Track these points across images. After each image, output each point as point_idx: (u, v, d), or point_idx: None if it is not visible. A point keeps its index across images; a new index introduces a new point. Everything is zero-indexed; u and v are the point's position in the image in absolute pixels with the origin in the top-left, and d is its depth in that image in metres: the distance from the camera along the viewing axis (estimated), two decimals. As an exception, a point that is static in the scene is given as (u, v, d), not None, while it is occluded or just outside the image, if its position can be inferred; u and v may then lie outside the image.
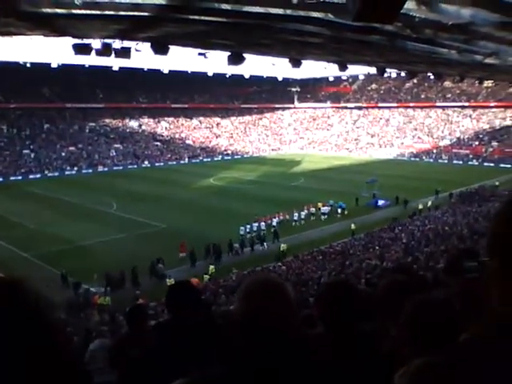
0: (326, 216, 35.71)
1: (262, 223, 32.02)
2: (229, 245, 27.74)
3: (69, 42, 15.87)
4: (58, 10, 10.79)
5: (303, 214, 34.98)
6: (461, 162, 69.06)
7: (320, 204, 36.71)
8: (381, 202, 39.25)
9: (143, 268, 23.30)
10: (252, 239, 29.52)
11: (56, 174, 62.13)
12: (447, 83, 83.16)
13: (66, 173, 63.11)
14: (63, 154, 69.40)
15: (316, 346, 1.71)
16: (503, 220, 0.91)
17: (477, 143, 74.82)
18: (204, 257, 26.39)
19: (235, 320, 1.41)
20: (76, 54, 16.14)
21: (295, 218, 34.16)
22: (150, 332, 3.57)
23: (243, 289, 1.45)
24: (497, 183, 45.78)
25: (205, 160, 77.07)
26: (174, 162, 73.74)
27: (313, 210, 36.09)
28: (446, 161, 71.11)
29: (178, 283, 2.95)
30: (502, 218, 0.92)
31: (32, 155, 66.73)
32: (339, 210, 36.64)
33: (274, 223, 32.27)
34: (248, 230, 30.72)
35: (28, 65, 68.85)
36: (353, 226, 31.00)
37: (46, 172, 62.07)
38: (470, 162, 68.71)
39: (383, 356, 1.72)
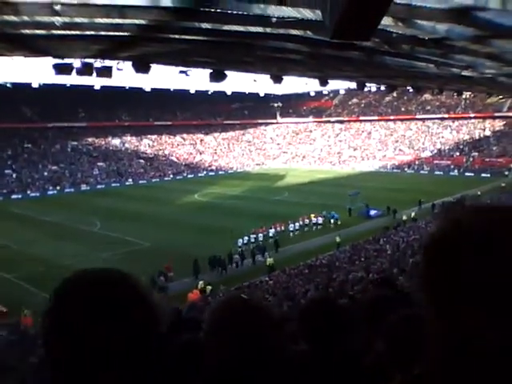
0: (319, 227, 36.32)
1: (260, 234, 32.48)
2: (228, 256, 27.87)
3: (49, 61, 15.85)
4: (38, 31, 10.79)
5: (297, 225, 35.43)
6: (442, 173, 69.91)
7: (313, 215, 37.19)
8: (373, 212, 39.69)
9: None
10: (252, 251, 29.66)
11: (38, 194, 61.38)
12: (426, 96, 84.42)
13: (49, 192, 62.36)
14: (45, 173, 68.74)
15: (300, 363, 1.72)
16: (433, 258, 0.72)
17: (457, 154, 75.91)
18: (209, 269, 26.55)
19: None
20: (57, 73, 16.13)
21: (291, 228, 34.68)
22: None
23: (212, 326, 1.45)
24: (479, 193, 46.46)
25: (189, 176, 76.88)
26: (158, 179, 73.41)
27: (307, 221, 36.61)
28: (427, 172, 71.93)
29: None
30: (432, 254, 0.73)
31: (14, 175, 65.95)
32: (332, 221, 37.21)
33: (271, 234, 32.79)
34: (245, 242, 31.04)
35: (8, 85, 68.47)
36: (338, 239, 31.15)
37: (29, 192, 61.27)
38: (451, 173, 69.56)
39: (366, 371, 1.74)
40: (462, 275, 0.66)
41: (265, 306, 1.48)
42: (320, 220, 36.95)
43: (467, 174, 67.59)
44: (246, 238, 31.47)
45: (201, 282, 23.84)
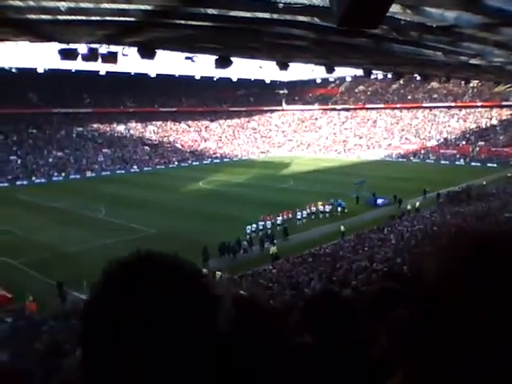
0: (327, 215, 36.55)
1: (268, 222, 32.82)
2: (237, 243, 28.15)
3: (55, 47, 15.78)
4: (44, 17, 10.73)
5: (305, 213, 35.67)
6: (448, 162, 69.58)
7: (320, 203, 37.37)
8: (380, 201, 39.71)
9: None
10: (262, 238, 29.94)
11: (43, 180, 61.60)
12: (433, 84, 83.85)
13: (54, 179, 62.54)
14: (50, 159, 68.90)
15: (305, 355, 1.72)
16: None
17: (464, 143, 75.48)
18: (219, 256, 26.80)
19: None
20: (62, 59, 16.05)
21: (298, 216, 34.91)
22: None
23: None
24: (484, 182, 46.25)
25: (194, 164, 76.90)
26: (163, 166, 73.47)
27: (314, 209, 36.81)
28: (433, 161, 71.61)
29: None
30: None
31: (19, 161, 66.13)
32: (339, 209, 37.47)
33: (279, 222, 33.08)
34: (254, 229, 31.27)
35: (14, 70, 68.41)
36: (342, 228, 31.14)
37: (34, 178, 61.50)
38: (457, 162, 69.25)
39: (372, 365, 1.73)
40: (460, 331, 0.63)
41: (262, 301, 1.48)
42: (327, 208, 37.17)
43: (473, 163, 67.22)
44: (255, 225, 31.72)
45: (218, 273, 23.40)
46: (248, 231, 30.73)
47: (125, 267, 0.82)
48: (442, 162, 70.31)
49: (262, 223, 32.45)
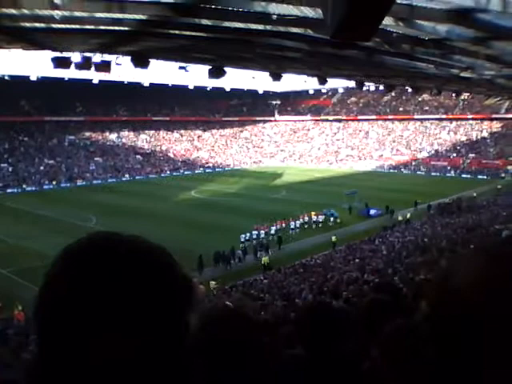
0: (320, 225, 36.75)
1: (262, 231, 33.01)
2: (231, 252, 28.25)
3: (48, 55, 15.77)
4: (37, 25, 10.73)
5: (298, 223, 35.91)
6: (439, 174, 70.00)
7: (313, 213, 37.59)
8: (372, 212, 39.87)
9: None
10: (255, 247, 30.19)
11: (34, 188, 61.21)
12: (425, 96, 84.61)
13: (45, 187, 62.18)
14: (42, 167, 68.52)
15: (296, 367, 1.71)
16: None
17: (454, 155, 76.02)
18: (213, 264, 27.05)
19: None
20: (55, 67, 16.02)
21: (292, 226, 35.08)
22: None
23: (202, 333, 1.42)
24: (474, 194, 46.53)
25: (186, 173, 76.81)
26: (155, 175, 73.34)
27: (307, 219, 37.07)
28: (424, 173, 72.00)
29: None
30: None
31: (10, 169, 65.72)
32: (331, 219, 37.63)
33: (273, 231, 33.33)
34: (247, 238, 31.49)
35: (6, 77, 68.09)
36: (333, 239, 31.19)
37: (24, 186, 61.11)
38: (447, 174, 69.67)
39: (363, 377, 1.72)
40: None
41: (249, 312, 1.49)
42: (321, 218, 37.42)
43: (464, 175, 67.71)
44: (248, 234, 31.91)
45: (213, 283, 23.52)
46: (242, 240, 30.89)
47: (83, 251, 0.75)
48: (433, 173, 70.72)
49: (256, 232, 32.56)
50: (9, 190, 58.52)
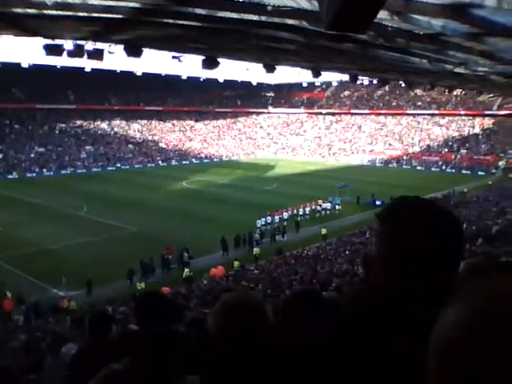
0: (328, 212, 38.56)
1: (276, 217, 34.70)
2: (249, 236, 29.83)
3: (40, 42, 15.57)
4: (29, 11, 10.59)
5: (307, 210, 37.64)
6: (430, 169, 70.28)
7: (320, 201, 39.21)
8: (378, 202, 40.32)
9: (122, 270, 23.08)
10: (273, 231, 32.03)
11: (24, 175, 60.81)
12: (418, 91, 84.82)
13: (35, 174, 61.76)
14: (32, 155, 68.02)
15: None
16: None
17: (446, 150, 76.35)
18: (234, 247, 28.74)
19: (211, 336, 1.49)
20: (47, 54, 15.83)
21: (301, 213, 36.68)
22: (114, 340, 3.57)
23: (222, 309, 1.53)
24: (465, 190, 46.81)
25: (178, 163, 76.58)
26: (147, 165, 73.04)
27: (313, 206, 38.64)
28: (416, 167, 72.28)
29: (148, 293, 2.92)
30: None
31: (0, 156, 65.18)
32: (336, 207, 39.34)
33: (285, 217, 35.12)
34: (263, 223, 33.27)
35: (-3, 64, 67.43)
36: (324, 231, 31.34)
37: (14, 173, 60.69)
38: (439, 169, 69.96)
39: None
40: None
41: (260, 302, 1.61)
42: (328, 205, 39.10)
43: (455, 170, 68.08)
44: (264, 219, 33.61)
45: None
46: (258, 225, 32.63)
47: None
48: (425, 168, 71.00)
49: (270, 218, 34.27)
50: (-1, 177, 58.06)
